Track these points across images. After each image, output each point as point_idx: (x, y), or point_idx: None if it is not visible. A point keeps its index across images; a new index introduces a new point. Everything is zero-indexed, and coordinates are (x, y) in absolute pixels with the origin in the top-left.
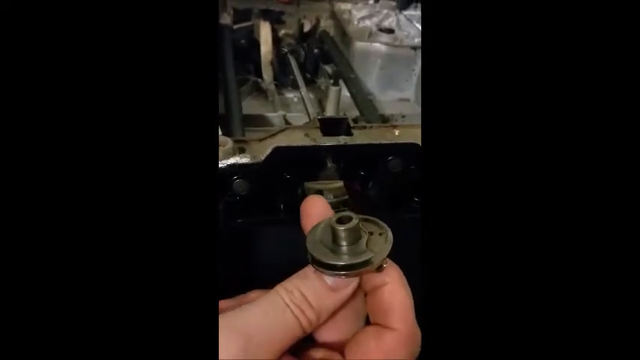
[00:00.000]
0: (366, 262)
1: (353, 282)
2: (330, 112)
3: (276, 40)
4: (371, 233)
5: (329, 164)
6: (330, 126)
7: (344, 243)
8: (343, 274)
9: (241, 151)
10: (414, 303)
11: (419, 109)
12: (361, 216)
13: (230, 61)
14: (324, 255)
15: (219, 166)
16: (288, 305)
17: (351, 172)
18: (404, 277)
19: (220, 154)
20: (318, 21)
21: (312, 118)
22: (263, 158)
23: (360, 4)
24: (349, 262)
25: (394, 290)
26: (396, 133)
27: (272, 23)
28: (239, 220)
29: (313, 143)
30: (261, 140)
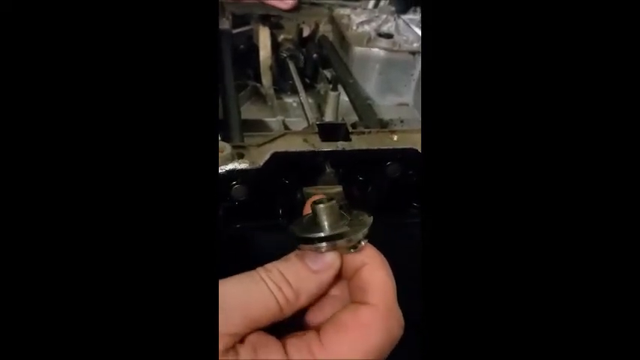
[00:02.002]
0: (343, 235)
1: (333, 264)
2: (329, 117)
3: (275, 45)
4: (352, 219)
5: (328, 169)
6: (329, 131)
7: (324, 222)
8: (323, 246)
9: (240, 156)
10: (415, 305)
11: (418, 114)
12: (344, 203)
13: (229, 66)
14: (304, 231)
15: (218, 171)
16: (263, 279)
17: (349, 178)
18: (384, 258)
19: (219, 159)
20: (317, 26)
21: (310, 123)
22: (262, 164)
23: (359, 9)
24: (327, 234)
25: (373, 269)
26: (395, 139)
27: (271, 28)
28: (238, 226)
29: (312, 149)
30: (259, 146)
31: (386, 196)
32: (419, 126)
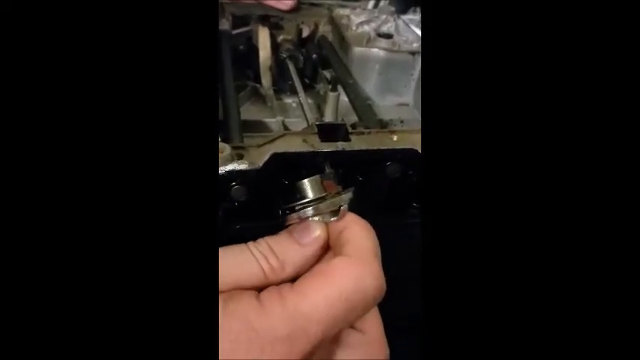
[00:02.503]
0: (323, 198)
1: (319, 237)
2: (328, 117)
3: (275, 46)
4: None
5: (327, 170)
6: (328, 132)
7: (309, 194)
8: (307, 211)
9: (239, 157)
10: (416, 307)
11: (418, 114)
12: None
13: (229, 67)
14: (289, 203)
15: (218, 172)
16: (250, 249)
17: (349, 178)
18: (366, 222)
19: (219, 160)
20: (316, 26)
21: (310, 123)
22: (261, 164)
23: (358, 10)
24: (308, 199)
25: (353, 229)
26: (394, 139)
27: (270, 29)
28: (237, 226)
29: (311, 149)
30: (259, 146)
31: (386, 196)
32: (419, 126)
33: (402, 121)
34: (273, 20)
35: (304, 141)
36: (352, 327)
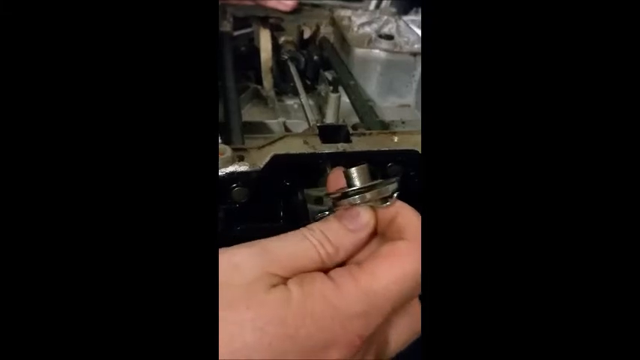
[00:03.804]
0: (374, 186)
1: (368, 223)
2: (329, 118)
3: (276, 47)
4: (381, 181)
5: (328, 171)
6: (329, 133)
7: (357, 182)
8: (356, 199)
9: (240, 159)
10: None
11: (419, 115)
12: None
13: (230, 69)
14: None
15: (219, 174)
16: (307, 236)
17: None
18: (414, 209)
19: (219, 162)
20: (317, 28)
21: (311, 125)
22: (262, 166)
23: (359, 11)
24: (359, 187)
25: (406, 216)
26: (395, 140)
27: (272, 30)
28: (238, 228)
29: (312, 151)
30: (260, 148)
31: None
32: (420, 127)
33: (403, 122)
34: (274, 22)
35: (305, 142)
36: None
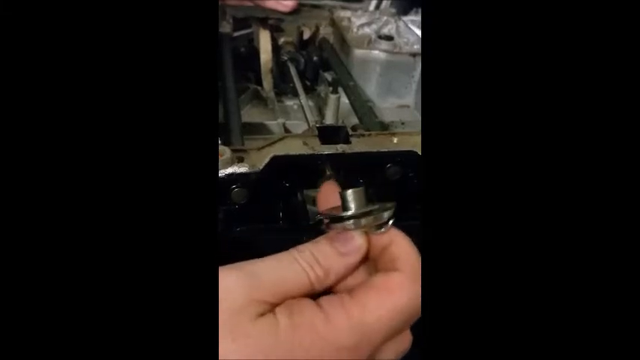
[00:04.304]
0: (370, 212)
1: (360, 247)
2: (329, 119)
3: (276, 48)
4: (377, 205)
5: (328, 172)
6: (329, 134)
7: (352, 205)
8: (350, 224)
9: (240, 160)
10: None
11: (418, 116)
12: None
13: (229, 70)
14: (334, 212)
15: (218, 175)
16: (296, 259)
17: (349, 180)
18: (409, 238)
19: (219, 163)
20: (317, 28)
21: (311, 126)
22: (261, 167)
23: (359, 12)
24: (355, 213)
25: (400, 245)
26: (395, 141)
27: (271, 31)
28: (238, 229)
29: (311, 152)
30: (259, 149)
31: (386, 198)
32: (420, 128)
33: (402, 123)
34: (274, 22)
35: (305, 143)
36: None
